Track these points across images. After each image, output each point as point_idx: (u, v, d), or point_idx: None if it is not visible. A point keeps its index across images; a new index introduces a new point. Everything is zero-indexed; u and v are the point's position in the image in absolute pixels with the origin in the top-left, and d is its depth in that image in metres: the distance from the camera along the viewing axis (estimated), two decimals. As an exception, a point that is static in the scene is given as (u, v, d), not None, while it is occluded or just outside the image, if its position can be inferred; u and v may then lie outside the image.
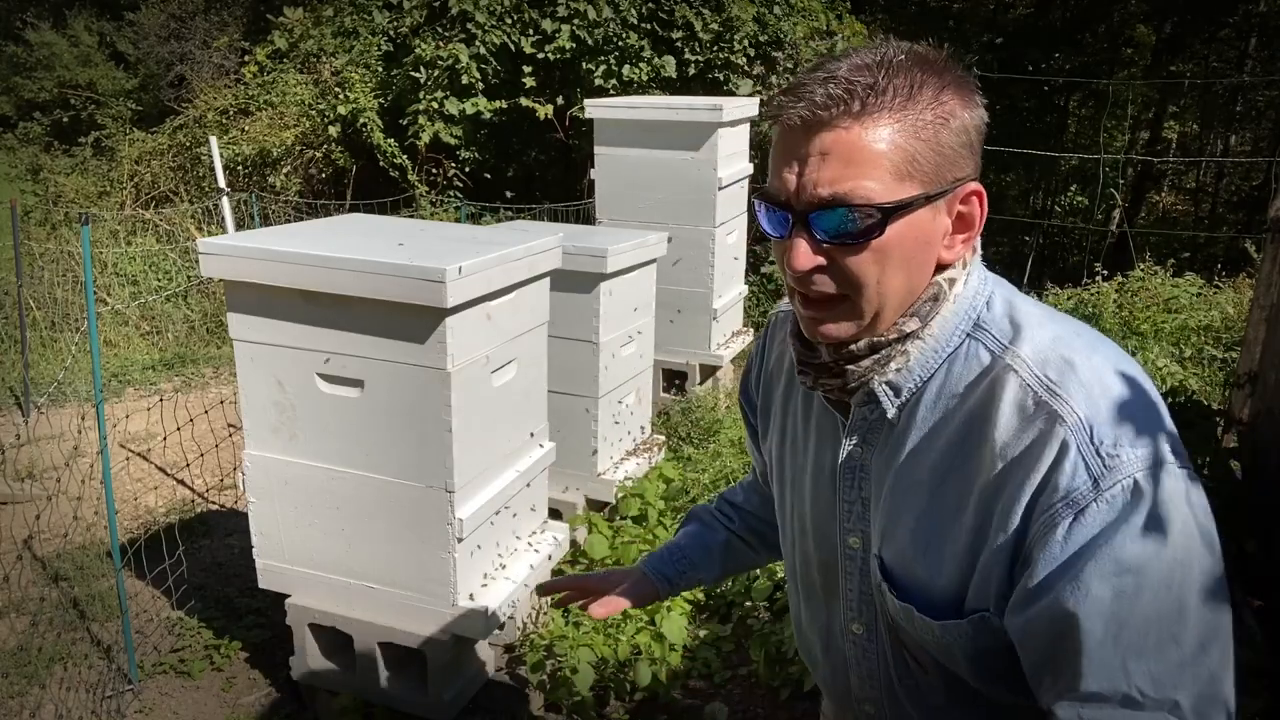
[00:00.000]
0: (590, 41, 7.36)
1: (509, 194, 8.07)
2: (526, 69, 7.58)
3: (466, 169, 7.95)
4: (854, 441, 1.06)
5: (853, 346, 1.00)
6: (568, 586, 1.47)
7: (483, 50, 7.47)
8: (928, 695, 1.09)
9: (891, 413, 1.01)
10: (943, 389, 0.99)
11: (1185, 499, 0.87)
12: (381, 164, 7.81)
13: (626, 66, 7.31)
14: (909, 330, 0.98)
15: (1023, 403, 0.92)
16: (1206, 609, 0.86)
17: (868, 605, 1.10)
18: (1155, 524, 0.85)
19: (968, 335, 0.99)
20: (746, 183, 5.11)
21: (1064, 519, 0.87)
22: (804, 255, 0.94)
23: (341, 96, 7.92)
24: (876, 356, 0.99)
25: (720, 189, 4.63)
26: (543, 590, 1.51)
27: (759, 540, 1.45)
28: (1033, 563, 0.89)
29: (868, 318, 0.97)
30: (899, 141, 0.91)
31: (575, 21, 7.36)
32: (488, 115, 7.64)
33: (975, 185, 0.96)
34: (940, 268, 0.98)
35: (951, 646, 0.99)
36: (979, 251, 1.03)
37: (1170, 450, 0.89)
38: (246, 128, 8.37)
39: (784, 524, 1.22)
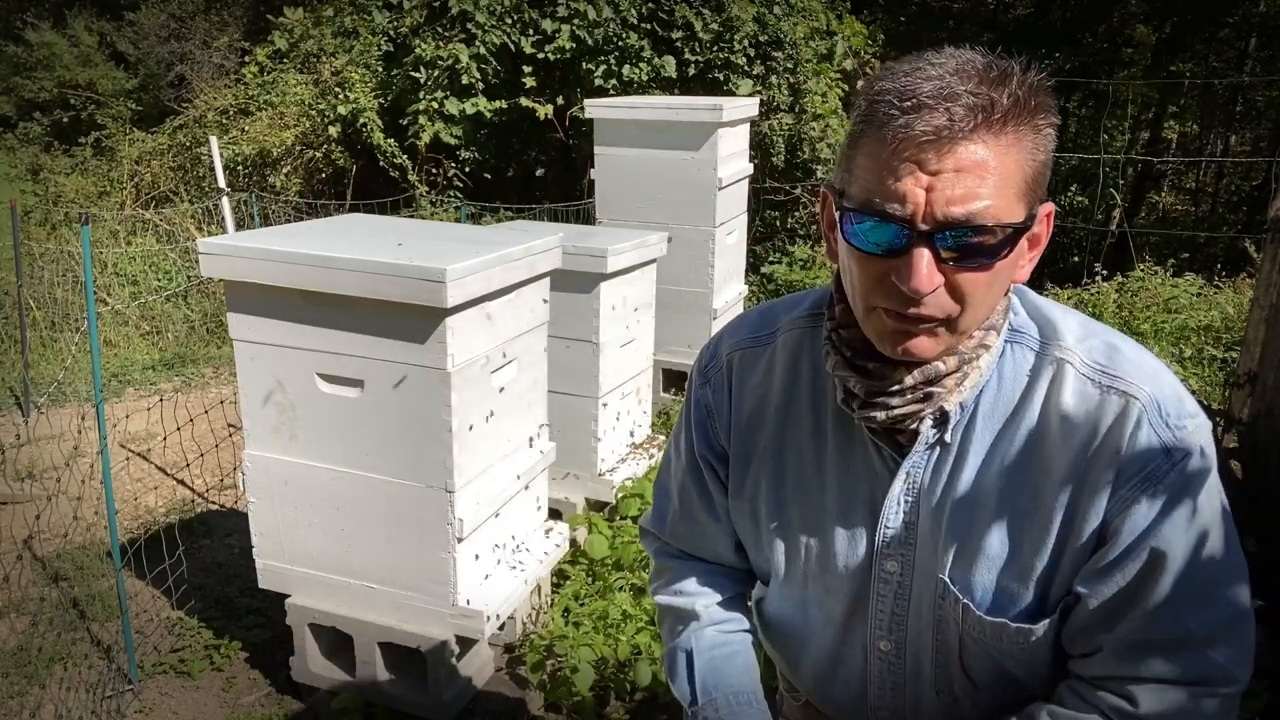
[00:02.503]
0: (590, 41, 7.36)
1: (510, 194, 8.08)
2: (526, 69, 7.58)
3: (466, 169, 7.95)
4: (915, 467, 1.02)
5: (940, 365, 0.96)
6: None
7: (483, 50, 7.47)
8: (964, 708, 1.09)
9: (949, 433, 1.00)
10: (997, 397, 0.99)
11: (1218, 461, 0.97)
12: (381, 164, 7.81)
13: (626, 66, 7.31)
14: (990, 344, 0.98)
15: (1085, 390, 0.95)
16: (1238, 559, 0.96)
17: (899, 625, 1.08)
18: (1213, 484, 0.95)
19: (1007, 341, 1.00)
20: (746, 183, 5.11)
21: (1145, 491, 0.93)
22: (929, 276, 0.88)
23: (341, 96, 7.92)
24: (958, 374, 0.97)
25: (720, 189, 4.63)
26: None
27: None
28: (1116, 533, 0.94)
29: (961, 336, 0.95)
30: (1023, 161, 0.88)
31: (575, 21, 7.36)
32: (488, 115, 7.63)
33: (1051, 205, 0.97)
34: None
35: (1040, 646, 1.01)
36: None
37: (1203, 413, 0.97)
38: (246, 128, 8.37)
39: (789, 564, 1.14)
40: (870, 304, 0.93)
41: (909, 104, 0.85)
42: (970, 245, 0.87)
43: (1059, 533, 0.97)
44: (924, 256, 0.87)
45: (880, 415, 0.98)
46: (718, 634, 1.22)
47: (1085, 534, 0.96)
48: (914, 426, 1.00)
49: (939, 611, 1.04)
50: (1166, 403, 0.94)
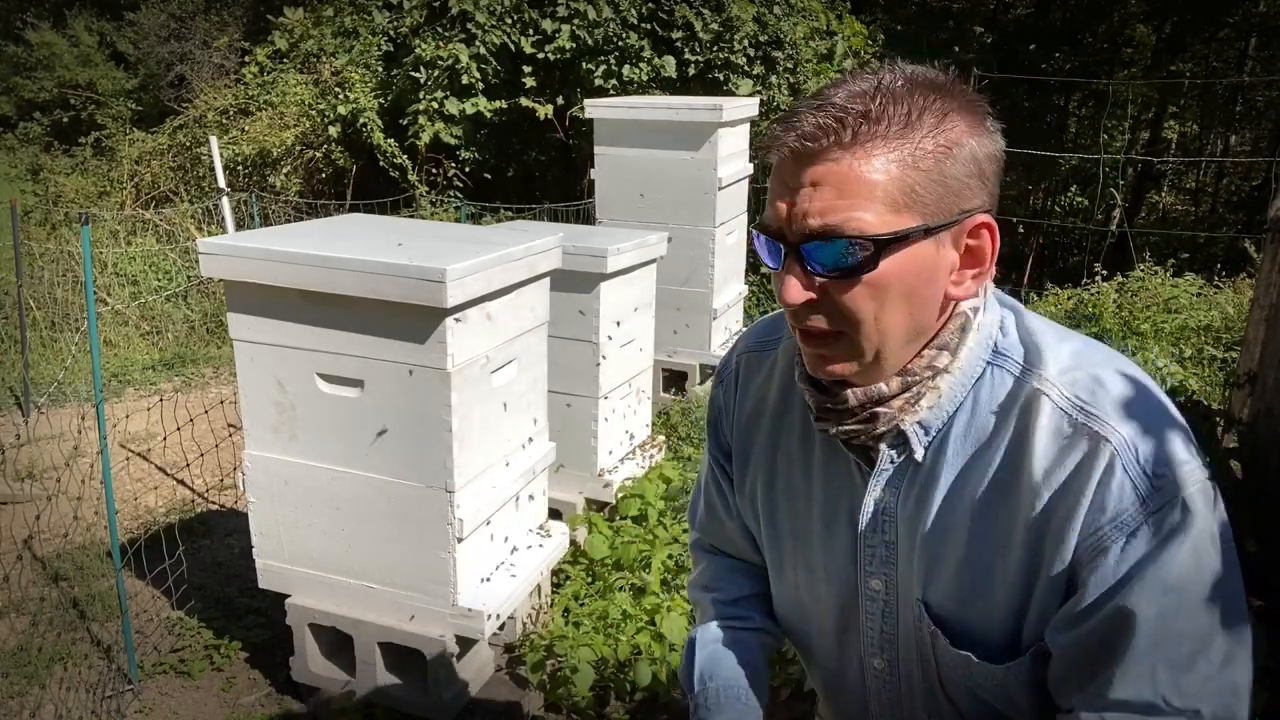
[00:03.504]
0: (590, 41, 7.36)
1: (510, 194, 8.08)
2: (526, 69, 7.58)
3: (466, 169, 7.95)
4: (879, 485, 1.01)
5: (882, 386, 0.95)
6: None
7: (483, 50, 7.47)
8: None
9: (920, 453, 0.97)
10: (971, 422, 0.96)
11: (1214, 512, 0.88)
12: (381, 164, 7.81)
13: (626, 66, 7.31)
14: (941, 365, 0.95)
15: (1059, 427, 0.90)
16: (1234, 623, 0.88)
17: (889, 643, 1.07)
18: (1199, 543, 0.87)
19: (988, 363, 0.96)
20: (746, 183, 5.11)
21: (1115, 542, 0.87)
22: (795, 289, 0.90)
23: (341, 96, 7.92)
24: (908, 395, 0.95)
25: (720, 189, 4.63)
26: None
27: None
28: (1083, 585, 0.89)
29: (868, 356, 0.93)
30: (894, 172, 0.86)
31: (575, 21, 7.36)
32: (488, 115, 7.64)
33: (984, 218, 0.91)
34: (950, 304, 0.95)
35: (1010, 684, 0.98)
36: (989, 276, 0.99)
37: (1199, 460, 0.89)
38: (246, 128, 8.37)
39: (782, 568, 1.16)
40: (791, 324, 0.96)
41: (783, 126, 0.89)
42: (832, 258, 0.88)
43: (1025, 576, 0.93)
44: (793, 269, 0.90)
45: (831, 429, 1.00)
46: (723, 628, 1.23)
47: (1052, 579, 0.92)
48: (874, 445, 1.00)
49: (918, 634, 1.03)
50: (1146, 446, 0.88)
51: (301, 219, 6.89)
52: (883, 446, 0.99)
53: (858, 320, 0.91)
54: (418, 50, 7.57)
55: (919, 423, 0.96)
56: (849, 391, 0.97)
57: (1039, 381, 0.92)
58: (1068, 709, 0.94)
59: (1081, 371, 0.92)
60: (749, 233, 5.39)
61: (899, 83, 0.88)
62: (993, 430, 0.94)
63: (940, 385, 0.95)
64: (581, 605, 3.08)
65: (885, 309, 0.90)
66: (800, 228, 0.88)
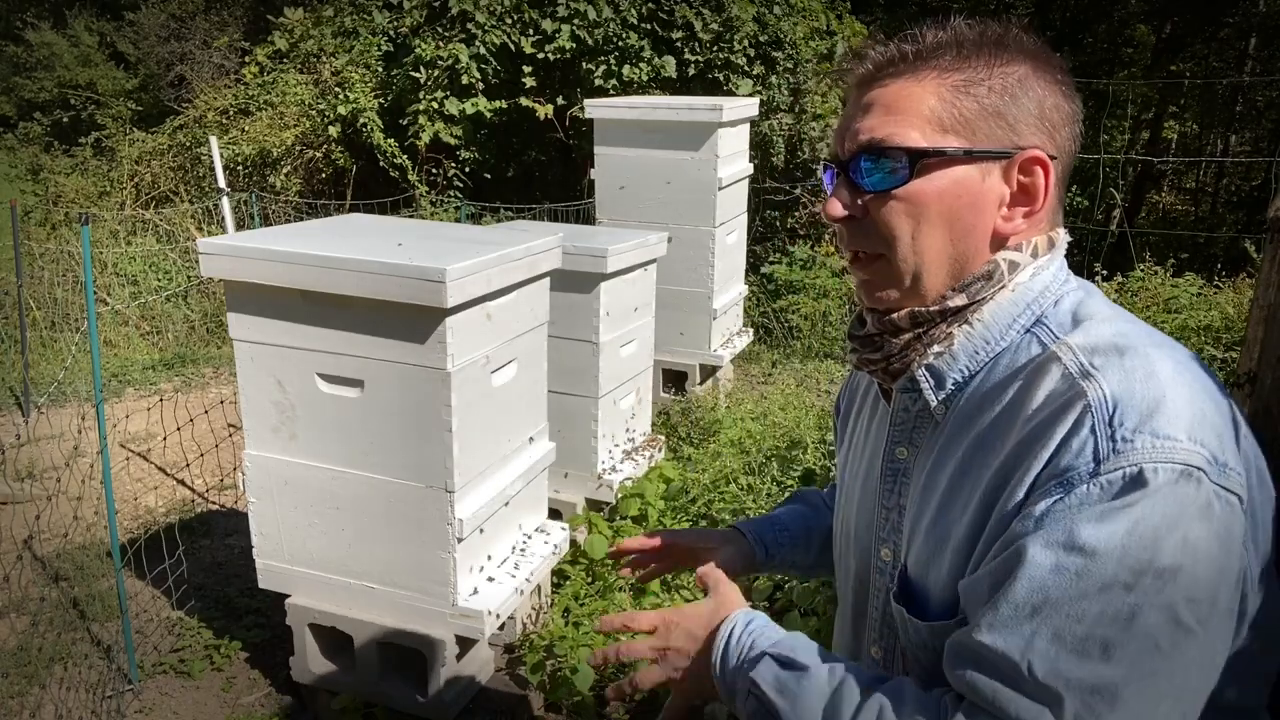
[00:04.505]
0: (590, 41, 7.36)
1: (510, 194, 8.08)
2: (526, 69, 7.58)
3: (466, 169, 7.95)
4: (898, 439, 0.99)
5: (894, 316, 0.94)
6: (650, 549, 1.29)
7: (483, 50, 7.47)
8: None
9: (934, 403, 0.94)
10: (986, 385, 0.91)
11: (1200, 514, 0.77)
12: (381, 164, 7.81)
13: (626, 66, 7.31)
14: (954, 305, 0.92)
15: (1056, 387, 0.84)
16: (1166, 640, 0.75)
17: (889, 628, 1.03)
18: (1143, 523, 0.76)
19: (1026, 330, 0.91)
20: (746, 183, 5.11)
21: (1052, 494, 0.79)
22: (835, 203, 0.94)
23: (341, 96, 7.92)
24: (919, 331, 0.94)
25: (720, 189, 4.63)
26: (618, 557, 1.31)
27: None
28: (1014, 530, 0.82)
29: (906, 280, 0.92)
30: (945, 94, 0.89)
31: (575, 21, 7.36)
32: (488, 115, 7.63)
33: (1037, 153, 0.90)
34: (1000, 243, 0.92)
35: (940, 650, 0.91)
36: (1060, 248, 0.95)
37: (1211, 461, 0.78)
38: (246, 128, 8.37)
39: (835, 536, 1.17)
40: (840, 252, 1.01)
41: (852, 60, 0.95)
42: (872, 171, 0.91)
43: (971, 531, 0.88)
44: (839, 185, 0.94)
45: (853, 359, 1.03)
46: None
47: (990, 533, 0.85)
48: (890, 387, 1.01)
49: (891, 601, 1.00)
50: (1128, 410, 0.79)
51: (301, 219, 6.90)
52: (895, 388, 0.99)
53: (894, 239, 0.91)
54: (418, 50, 7.57)
55: (929, 368, 0.94)
56: (869, 317, 0.99)
57: (1059, 347, 0.87)
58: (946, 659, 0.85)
59: (1111, 342, 0.85)
60: (749, 232, 5.40)
61: (967, 29, 0.91)
62: (1000, 394, 0.90)
63: (955, 334, 0.93)
64: (581, 605, 3.08)
65: (922, 229, 0.91)
66: (850, 145, 0.92)
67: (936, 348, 0.93)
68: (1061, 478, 0.79)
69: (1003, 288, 0.92)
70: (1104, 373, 0.82)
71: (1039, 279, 0.93)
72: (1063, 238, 0.96)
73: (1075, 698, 0.75)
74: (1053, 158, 0.91)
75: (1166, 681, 0.76)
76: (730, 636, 0.98)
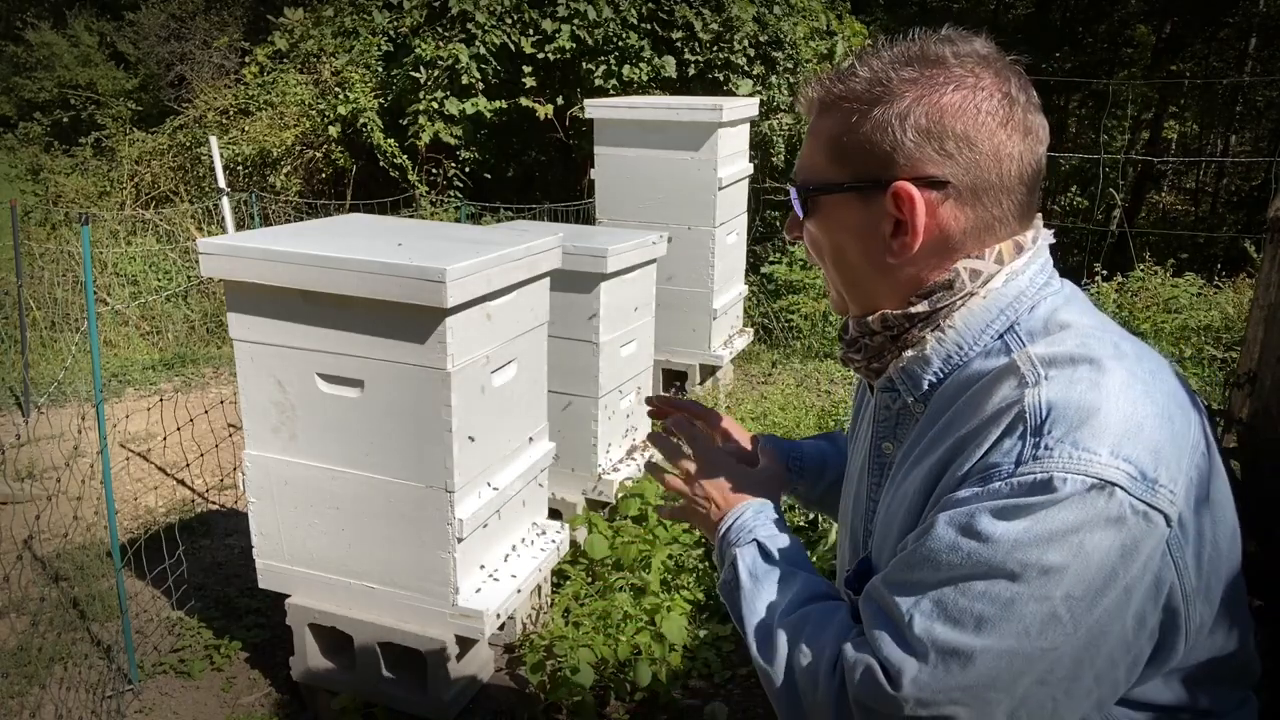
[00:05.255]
0: (590, 41, 7.36)
1: (510, 194, 8.08)
2: (526, 69, 7.58)
3: (466, 169, 7.95)
4: (882, 434, 1.05)
5: (869, 319, 1.01)
6: (702, 417, 1.33)
7: (483, 50, 7.47)
8: None
9: (909, 402, 1.00)
10: (954, 387, 0.95)
11: (1106, 524, 0.80)
12: (381, 164, 7.81)
13: (626, 66, 7.31)
14: (916, 312, 0.96)
15: (1007, 394, 0.87)
16: (1035, 628, 0.82)
17: None
18: (1037, 520, 0.80)
19: (999, 336, 0.94)
20: (746, 183, 5.11)
21: (973, 486, 0.85)
22: (791, 222, 1.05)
23: (341, 96, 7.92)
24: (890, 333, 0.99)
25: (720, 189, 4.63)
26: (654, 410, 1.33)
27: None
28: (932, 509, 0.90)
29: (833, 292, 1.06)
30: (836, 130, 0.95)
31: (575, 21, 7.36)
32: (488, 115, 7.64)
33: (899, 183, 0.91)
34: (910, 271, 0.97)
35: None
36: (1030, 252, 0.96)
37: (1134, 478, 0.81)
38: (246, 128, 8.37)
39: (838, 524, 1.24)
40: None
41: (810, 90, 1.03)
42: (793, 199, 1.02)
43: (904, 528, 0.95)
44: (793, 210, 1.04)
45: (840, 353, 1.10)
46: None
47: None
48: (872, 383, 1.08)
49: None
50: (1060, 418, 0.82)
51: (301, 219, 6.90)
52: (876, 385, 1.05)
53: (817, 260, 1.04)
54: (418, 50, 7.57)
55: (903, 369, 1.00)
56: (849, 320, 1.06)
57: (1020, 357, 0.89)
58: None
59: (1071, 353, 0.87)
60: (749, 232, 5.40)
61: (886, 52, 0.95)
62: (955, 398, 0.94)
63: (927, 339, 0.96)
64: (581, 605, 3.08)
65: (828, 256, 1.01)
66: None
67: (910, 351, 0.98)
68: (985, 473, 0.85)
69: (972, 295, 0.94)
70: (1050, 382, 0.85)
71: (1013, 284, 0.94)
72: (1037, 241, 0.97)
73: (937, 655, 0.84)
74: (942, 183, 0.91)
75: (1026, 662, 0.83)
76: (744, 512, 1.13)
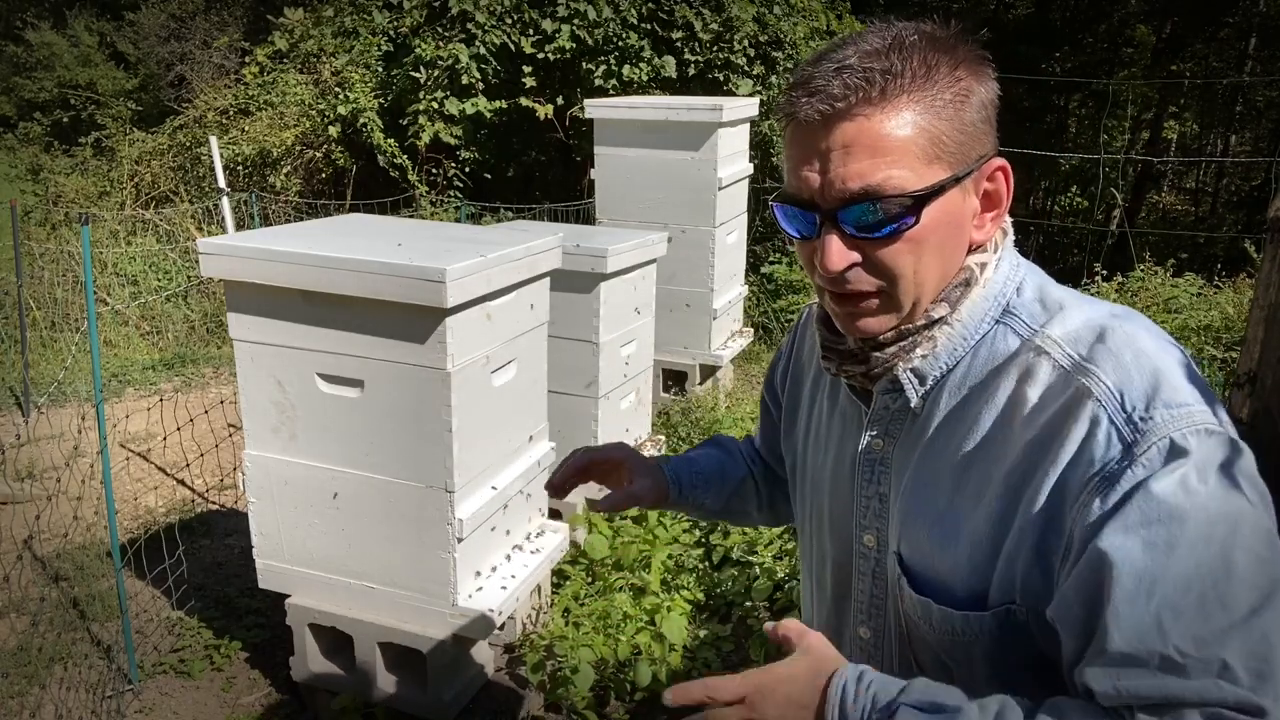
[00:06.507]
0: (590, 41, 7.36)
1: (510, 194, 8.08)
2: (526, 69, 7.58)
3: (466, 169, 7.95)
4: (875, 432, 1.03)
5: (881, 335, 0.97)
6: (573, 473, 1.29)
7: (483, 50, 7.47)
8: None
9: (915, 401, 0.98)
10: (966, 376, 0.95)
11: (1226, 458, 0.82)
12: (381, 164, 7.81)
13: (626, 66, 7.31)
14: (938, 316, 0.95)
15: (1052, 384, 0.88)
16: (1259, 569, 0.79)
17: (878, 609, 1.06)
18: (1191, 478, 0.80)
19: (996, 321, 0.95)
20: (746, 183, 5.11)
21: (1100, 491, 0.83)
22: (838, 254, 0.90)
23: (341, 96, 7.92)
24: (903, 343, 0.96)
25: (720, 189, 4.63)
26: (555, 486, 1.30)
27: (768, 498, 1.39)
28: (1074, 541, 0.84)
29: (906, 308, 0.94)
30: (922, 124, 0.87)
31: (575, 21, 7.36)
32: (488, 115, 7.64)
33: (1000, 160, 0.93)
34: (971, 249, 0.96)
35: (971, 644, 0.94)
36: (1010, 235, 1.00)
37: (1209, 414, 0.84)
38: (246, 128, 8.37)
39: (802, 521, 1.20)
40: (817, 285, 0.97)
41: (800, 91, 0.89)
42: (873, 217, 0.88)
43: (995, 528, 0.90)
44: (831, 237, 0.90)
45: (831, 368, 1.03)
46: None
47: (1030, 534, 0.88)
48: (873, 390, 1.03)
49: (898, 592, 1.01)
50: (1134, 392, 0.84)
51: (301, 219, 6.90)
52: (876, 389, 1.01)
53: (897, 276, 0.91)
54: (418, 50, 7.57)
55: (913, 370, 0.97)
56: (848, 337, 1.00)
57: (1042, 340, 0.91)
58: (1084, 687, 0.84)
59: (1088, 329, 0.90)
60: (749, 232, 5.40)
61: (912, 36, 0.90)
62: (985, 385, 0.93)
63: (937, 335, 0.95)
64: (581, 605, 3.08)
65: (923, 261, 0.92)
66: (837, 193, 0.88)
67: (920, 351, 0.96)
68: (1100, 477, 0.83)
69: (976, 288, 0.96)
70: (1096, 362, 0.86)
71: (1000, 270, 0.97)
72: (1008, 224, 1.01)
73: (1235, 655, 0.78)
74: (1000, 153, 0.94)
75: (1265, 575, 0.79)
76: (844, 695, 0.88)
